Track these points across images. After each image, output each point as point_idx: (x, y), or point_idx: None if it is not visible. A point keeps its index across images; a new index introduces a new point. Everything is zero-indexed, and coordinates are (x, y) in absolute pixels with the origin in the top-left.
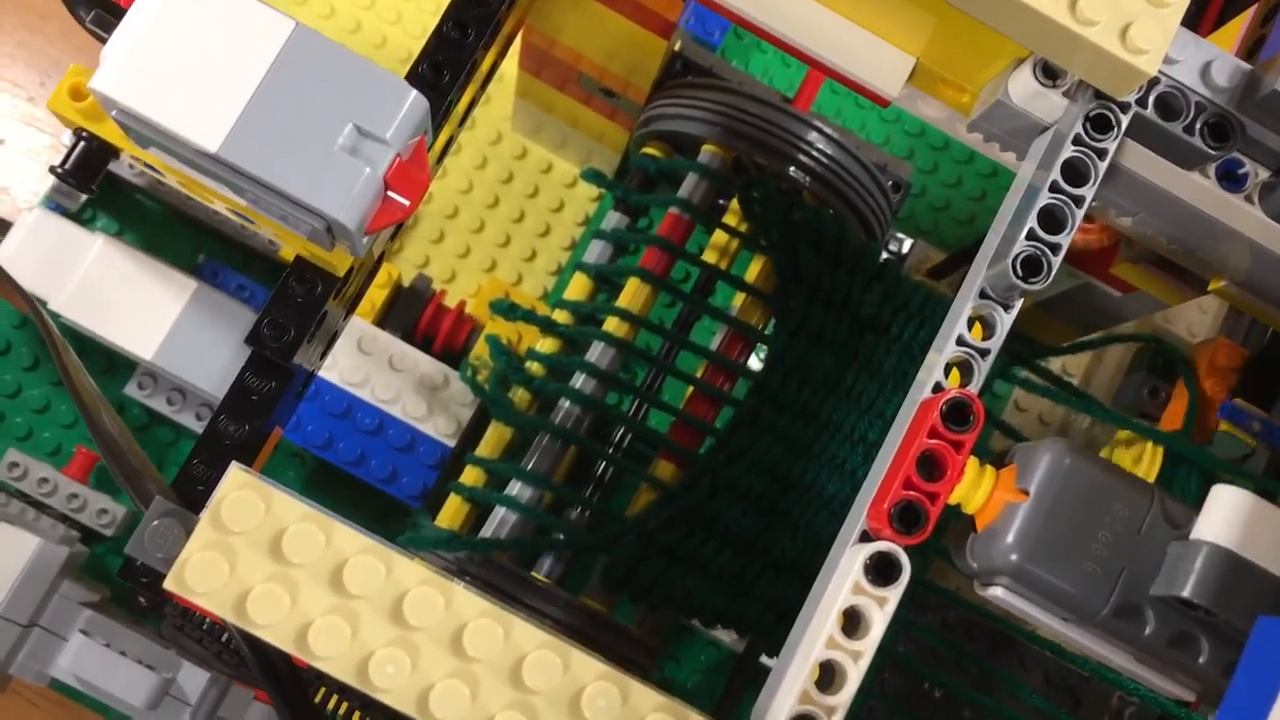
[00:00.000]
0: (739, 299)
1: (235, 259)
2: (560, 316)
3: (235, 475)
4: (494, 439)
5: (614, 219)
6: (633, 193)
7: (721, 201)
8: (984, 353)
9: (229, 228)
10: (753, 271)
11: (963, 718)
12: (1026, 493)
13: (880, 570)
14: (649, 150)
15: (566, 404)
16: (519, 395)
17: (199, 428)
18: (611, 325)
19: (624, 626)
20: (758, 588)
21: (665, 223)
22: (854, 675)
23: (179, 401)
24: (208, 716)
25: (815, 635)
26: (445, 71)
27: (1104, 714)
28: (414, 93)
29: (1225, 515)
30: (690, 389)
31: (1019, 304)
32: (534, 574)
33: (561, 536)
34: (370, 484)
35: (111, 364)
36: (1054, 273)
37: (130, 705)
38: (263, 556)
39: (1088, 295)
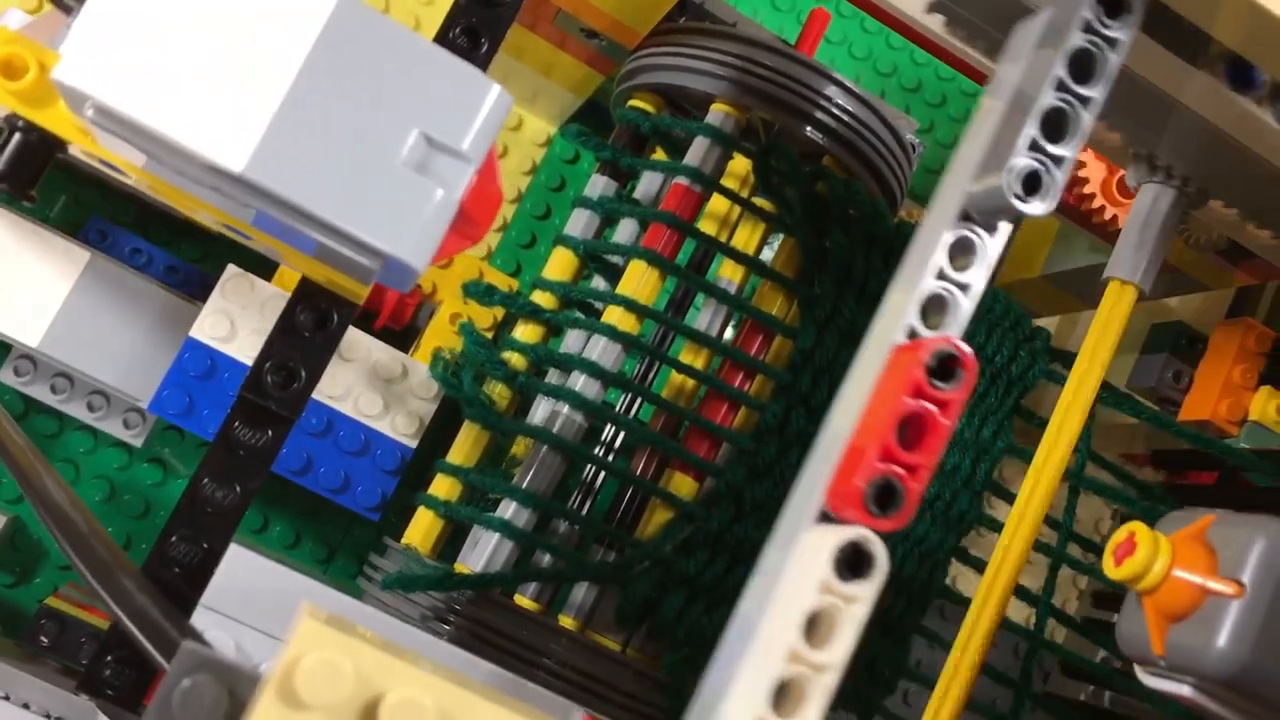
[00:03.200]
0: (732, 273)
1: (124, 214)
2: (542, 299)
3: (308, 627)
4: (468, 443)
5: (600, 184)
6: (625, 155)
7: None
8: (964, 287)
9: (115, 178)
10: (754, 243)
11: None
12: (1238, 583)
13: (852, 563)
14: (639, 104)
15: (565, 408)
16: (496, 391)
17: (92, 419)
18: (614, 317)
19: (633, 663)
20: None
21: (672, 195)
22: (819, 696)
23: (66, 389)
24: None
25: (771, 645)
26: (483, 38)
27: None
28: (495, 88)
29: None
30: (693, 389)
31: (1007, 231)
32: (519, 598)
33: (558, 560)
34: (319, 494)
35: None
36: (1058, 192)
37: None
38: None
39: None
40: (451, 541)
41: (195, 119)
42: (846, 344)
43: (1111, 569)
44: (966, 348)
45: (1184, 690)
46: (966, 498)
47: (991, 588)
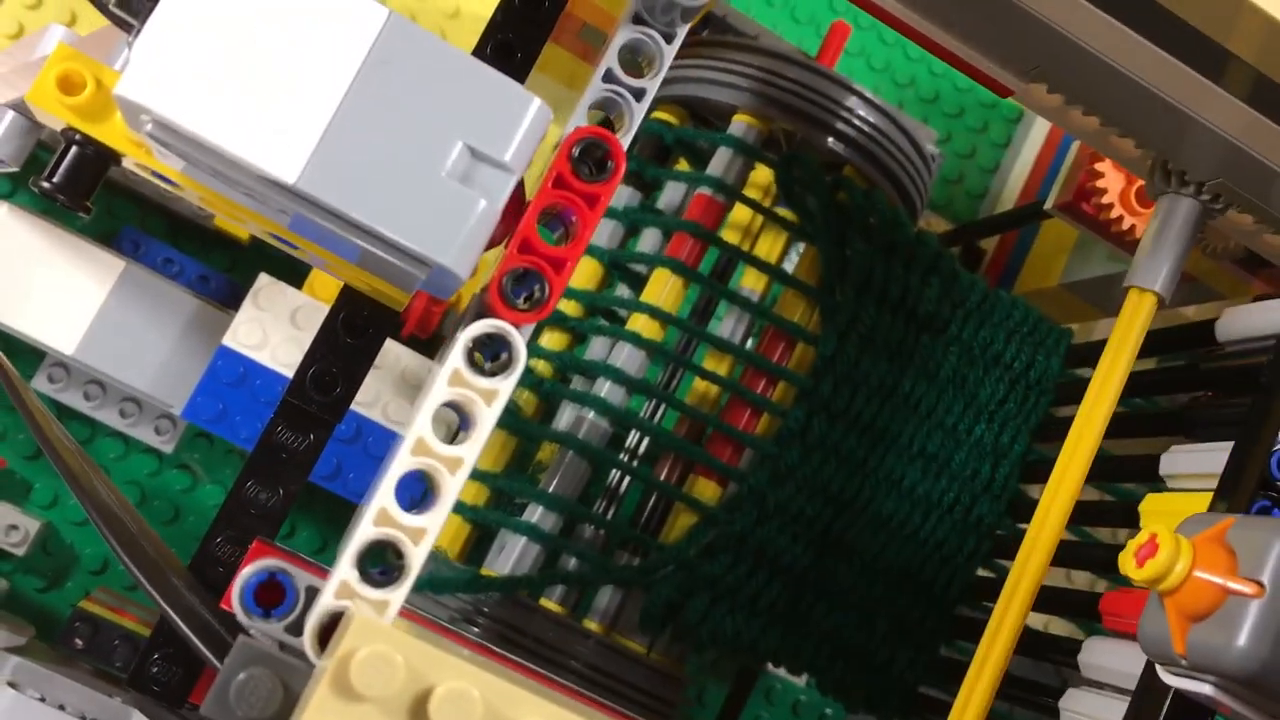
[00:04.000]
0: (755, 282)
1: (156, 225)
2: (568, 308)
3: (361, 625)
4: (496, 449)
5: (624, 195)
6: (649, 165)
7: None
8: (639, 93)
9: (149, 188)
10: (776, 252)
11: None
12: (1258, 584)
13: (490, 355)
14: (663, 116)
15: (589, 415)
16: (523, 398)
17: (123, 425)
18: (639, 324)
19: (654, 663)
20: (812, 622)
21: (696, 205)
22: (449, 489)
23: (98, 396)
24: None
25: (403, 441)
26: (518, 51)
27: None
28: (536, 101)
29: None
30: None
31: (682, 31)
32: (544, 601)
33: (584, 564)
34: (349, 500)
35: (9, 348)
36: None
37: None
38: None
39: None
40: (478, 546)
41: (250, 133)
42: (867, 350)
43: (1133, 570)
44: (613, 136)
45: (1206, 689)
46: (986, 502)
47: (1015, 591)
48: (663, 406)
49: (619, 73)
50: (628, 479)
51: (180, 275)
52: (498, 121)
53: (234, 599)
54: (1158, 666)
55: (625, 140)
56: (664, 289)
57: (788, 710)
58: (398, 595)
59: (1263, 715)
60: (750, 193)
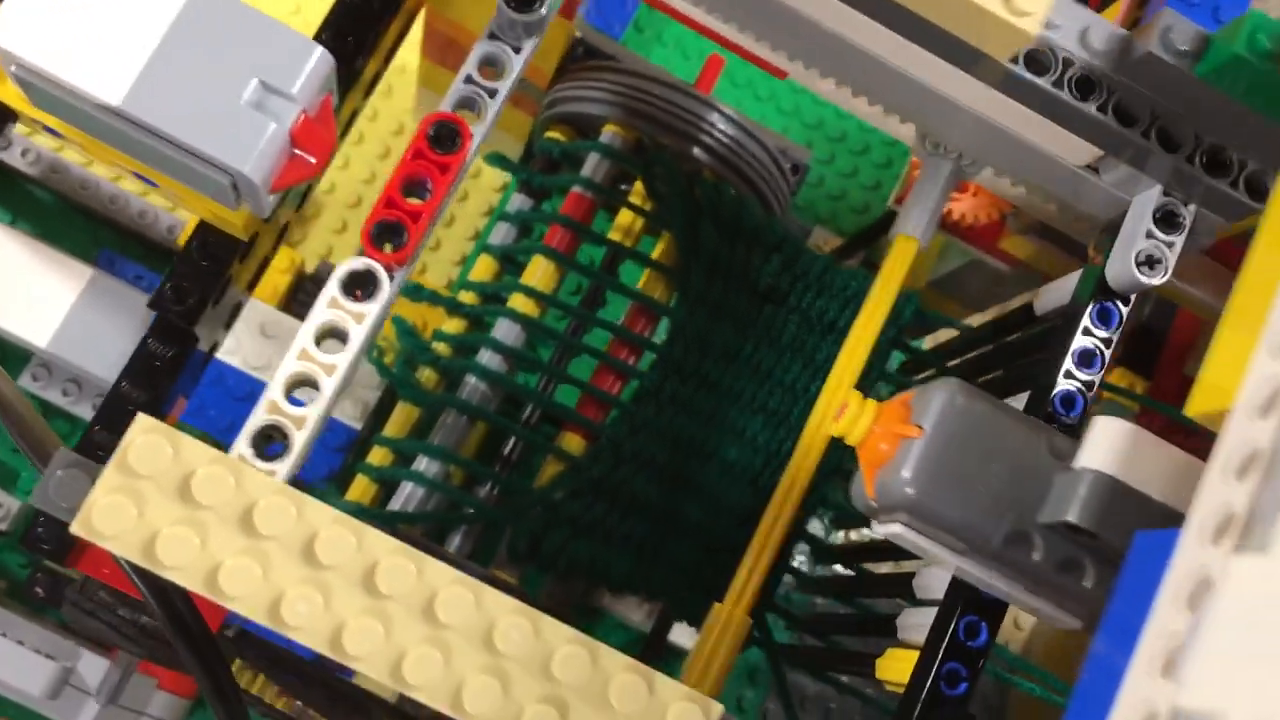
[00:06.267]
0: (645, 277)
1: (132, 249)
2: (466, 298)
3: (141, 421)
4: (401, 419)
5: (518, 201)
6: (536, 175)
7: (625, 187)
8: (492, 92)
9: (125, 217)
10: (657, 249)
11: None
12: (920, 428)
13: (359, 286)
14: (552, 134)
15: (473, 381)
16: (426, 376)
17: None
18: (517, 303)
19: (531, 598)
20: (664, 553)
21: (568, 201)
22: (327, 387)
23: (75, 393)
24: (109, 699)
25: (292, 351)
26: (350, 37)
27: None
28: (319, 49)
29: (1106, 444)
30: (597, 364)
31: (529, 45)
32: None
33: (470, 510)
34: None
35: (1, 356)
36: (548, 11)
37: (28, 694)
38: (171, 500)
39: (978, 271)
40: (385, 504)
41: (88, 66)
42: (715, 318)
43: (830, 425)
44: (460, 117)
45: (897, 528)
46: (791, 440)
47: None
48: (552, 380)
49: (477, 76)
50: (520, 443)
51: (149, 289)
52: (287, 63)
53: None
54: (871, 521)
55: (480, 130)
56: (537, 273)
57: (767, 689)
58: (283, 467)
59: (946, 549)
60: (635, 198)
